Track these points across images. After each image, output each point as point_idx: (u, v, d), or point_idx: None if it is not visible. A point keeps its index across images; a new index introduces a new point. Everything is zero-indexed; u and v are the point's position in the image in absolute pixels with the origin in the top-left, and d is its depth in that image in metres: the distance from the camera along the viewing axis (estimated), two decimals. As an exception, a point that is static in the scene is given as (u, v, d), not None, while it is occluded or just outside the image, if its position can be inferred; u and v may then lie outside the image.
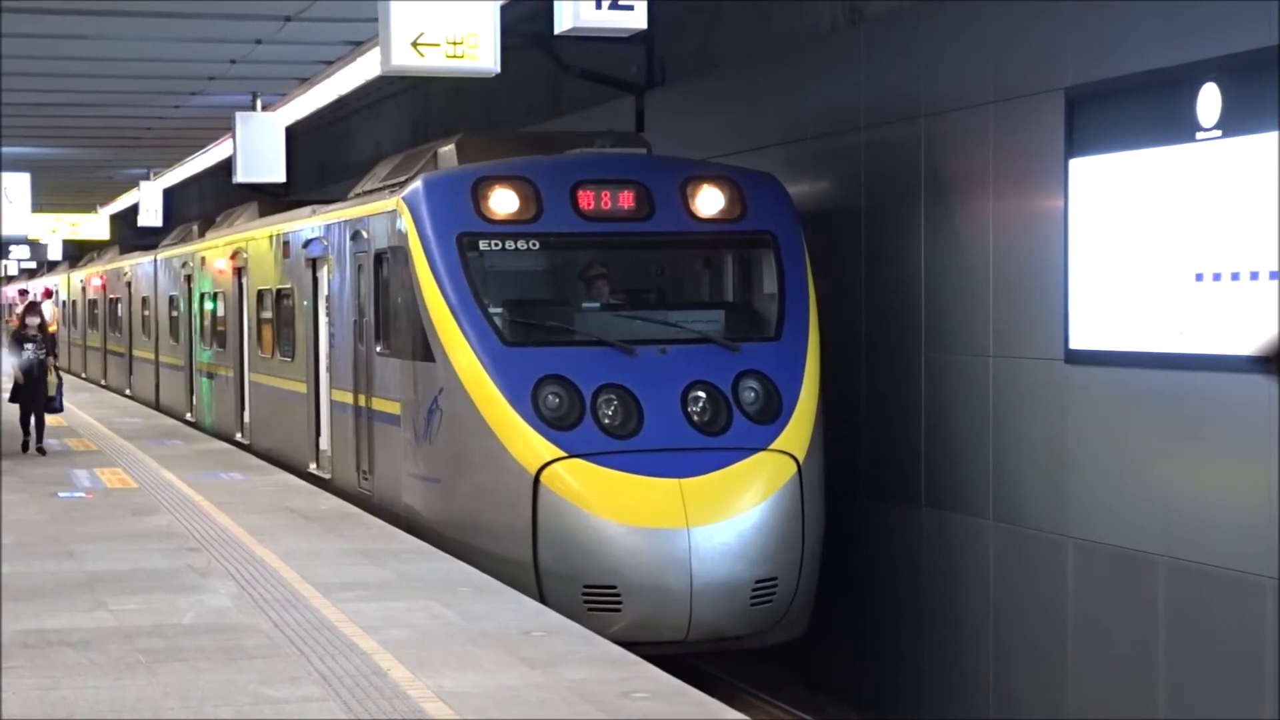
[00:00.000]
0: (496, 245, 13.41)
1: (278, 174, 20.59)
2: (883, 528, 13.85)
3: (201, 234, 27.37)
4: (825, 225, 14.38)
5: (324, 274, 17.59)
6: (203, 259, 25.57)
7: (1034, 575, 11.92)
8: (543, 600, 11.60)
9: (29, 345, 20.30)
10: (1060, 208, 11.34)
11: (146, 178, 34.92)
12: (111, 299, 37.70)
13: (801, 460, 12.63)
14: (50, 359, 20.46)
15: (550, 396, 12.62)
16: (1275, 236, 9.42)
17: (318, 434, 18.02)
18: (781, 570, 12.37)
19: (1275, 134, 9.43)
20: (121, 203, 43.79)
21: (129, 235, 44.13)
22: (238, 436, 22.43)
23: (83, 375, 42.12)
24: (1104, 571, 11.14)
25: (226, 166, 24.23)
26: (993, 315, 12.35)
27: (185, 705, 8.15)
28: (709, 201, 13.72)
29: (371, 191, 16.62)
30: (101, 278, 39.49)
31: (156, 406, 30.13)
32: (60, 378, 20.81)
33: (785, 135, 15.37)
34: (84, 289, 43.07)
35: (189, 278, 26.80)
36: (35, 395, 20.32)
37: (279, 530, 13.85)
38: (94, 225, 45.98)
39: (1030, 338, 11.86)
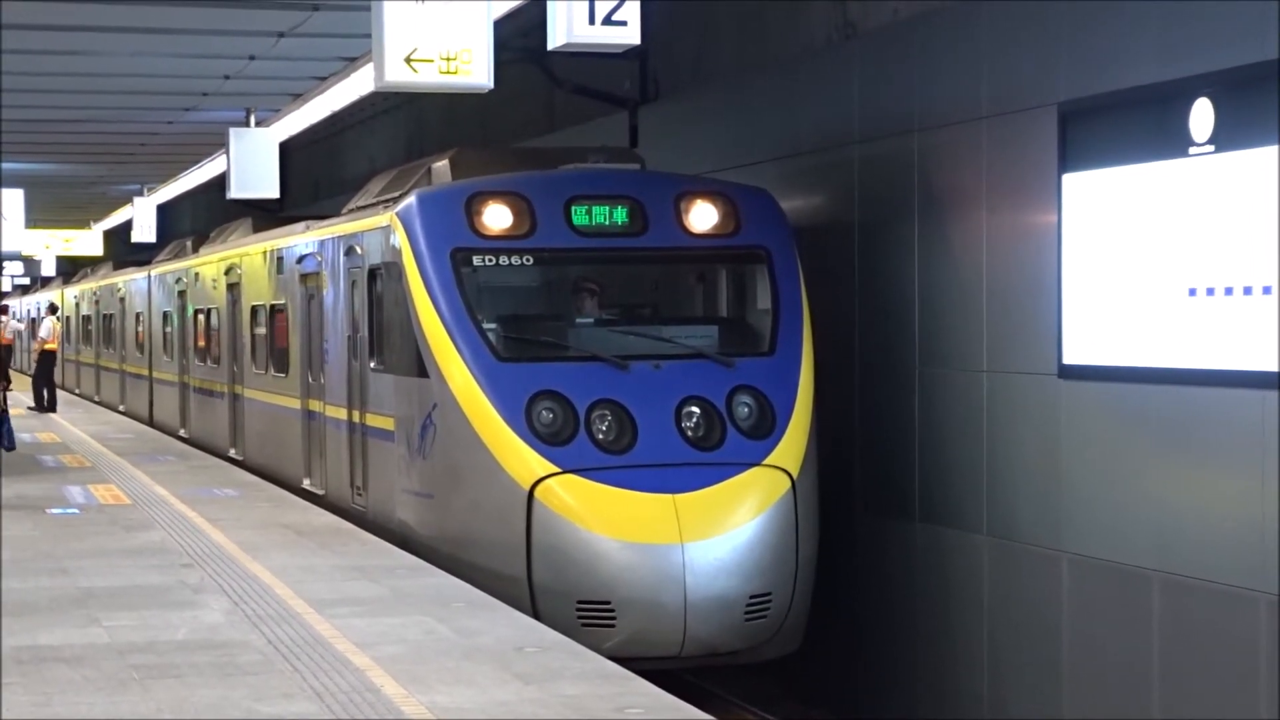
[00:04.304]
0: (490, 261, 13.41)
1: (271, 190, 20.64)
2: (877, 543, 13.85)
3: (195, 250, 27.38)
4: (819, 240, 14.39)
5: (318, 290, 17.58)
6: (196, 275, 25.57)
7: (1028, 590, 11.91)
8: (537, 616, 11.59)
9: None
10: (1054, 223, 11.34)
11: (140, 193, 34.98)
12: (105, 315, 37.69)
13: (796, 475, 12.62)
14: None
15: (544, 412, 12.61)
16: (1271, 251, 9.43)
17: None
18: (776, 585, 12.36)
19: (1268, 149, 9.44)
20: (115, 218, 43.85)
21: (123, 251, 44.17)
22: (231, 452, 22.42)
23: (76, 391, 42.09)
24: (1098, 587, 11.13)
25: (220, 182, 24.23)
26: (986, 330, 12.36)
27: (178, 721, 8.15)
28: (702, 216, 13.72)
29: (365, 207, 16.62)
30: (95, 294, 39.48)
31: (150, 423, 30.11)
32: (7, 409, 18.27)
33: (779, 150, 15.38)
34: (78, 305, 43.06)
35: (183, 294, 26.79)
36: None
37: (272, 546, 13.84)
38: (88, 241, 46.05)
39: (1024, 353, 11.87)
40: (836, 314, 14.13)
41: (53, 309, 35.91)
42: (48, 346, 33.28)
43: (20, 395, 35.66)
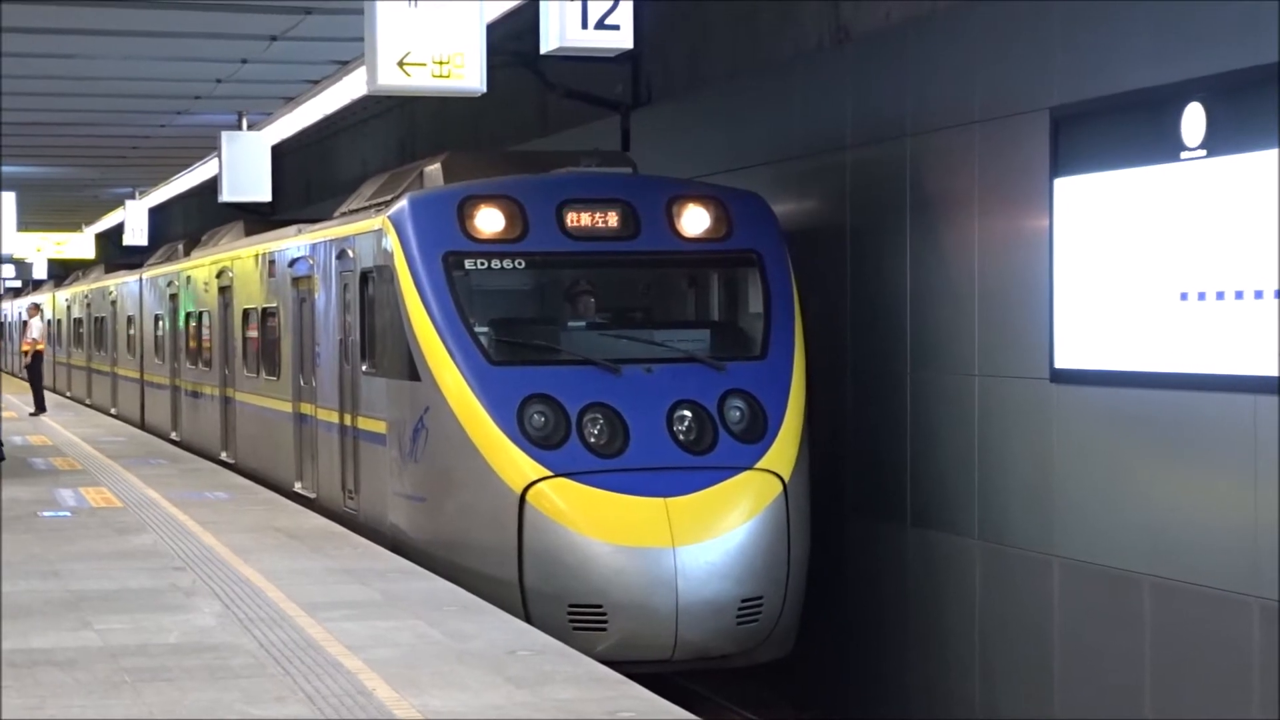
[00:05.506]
0: (482, 264, 13.41)
1: (263, 193, 20.62)
2: (868, 547, 13.85)
3: (187, 253, 27.36)
4: (811, 244, 14.40)
5: (310, 293, 17.58)
6: (188, 278, 25.56)
7: (1020, 594, 11.92)
8: (528, 619, 11.59)
9: None
10: (1045, 227, 11.35)
11: (132, 197, 34.97)
12: (97, 318, 37.67)
13: (787, 479, 12.63)
14: None
15: (536, 415, 12.62)
16: (1263, 256, 9.44)
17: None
18: (767, 589, 12.37)
19: (1260, 153, 9.45)
20: (107, 222, 43.84)
21: (114, 254, 44.15)
22: (223, 455, 22.41)
23: (67, 394, 42.06)
24: (1090, 590, 11.14)
25: (212, 185, 24.24)
26: (978, 334, 12.37)
27: (170, 725, 8.14)
28: (694, 220, 13.72)
29: (357, 210, 16.62)
30: (87, 297, 39.45)
31: (142, 426, 30.09)
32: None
33: (771, 154, 15.39)
34: (69, 308, 43.03)
35: (174, 297, 26.78)
36: None
37: (264, 549, 13.83)
38: (79, 244, 46.06)
39: (1016, 357, 11.88)
40: (828, 318, 14.14)
41: (36, 308, 35.84)
42: (39, 347, 33.29)
43: (11, 398, 35.65)
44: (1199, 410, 10.03)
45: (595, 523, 12.13)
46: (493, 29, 12.38)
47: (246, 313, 20.98)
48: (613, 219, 13.65)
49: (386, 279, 14.08)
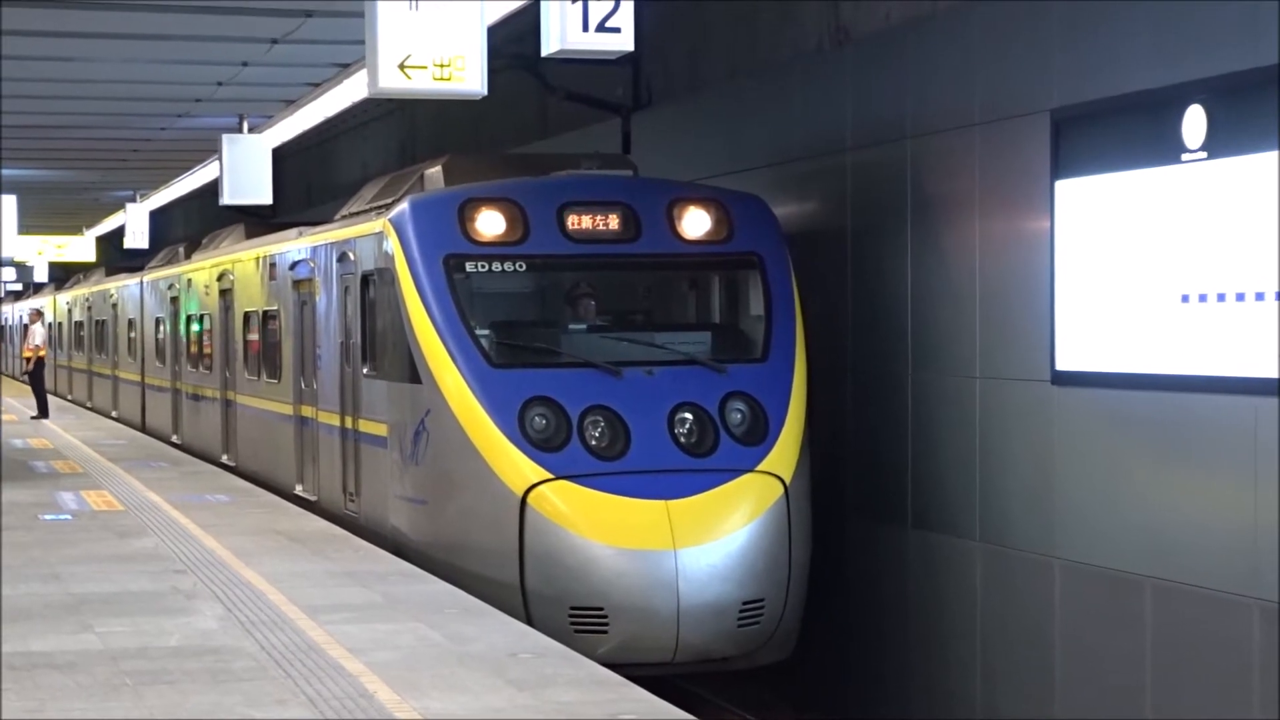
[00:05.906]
0: (483, 267, 13.42)
1: (264, 196, 20.63)
2: (869, 549, 13.85)
3: (188, 256, 27.37)
4: (811, 246, 14.40)
5: (310, 296, 17.58)
6: (189, 281, 25.56)
7: (1021, 596, 11.92)
8: (529, 622, 11.59)
9: None
10: (1046, 229, 11.36)
11: (133, 200, 34.98)
12: (98, 321, 37.67)
13: (788, 481, 12.63)
14: None
15: (537, 418, 12.62)
16: (1263, 257, 9.44)
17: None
18: (769, 591, 12.37)
19: (1260, 155, 9.45)
20: (108, 225, 43.86)
21: (115, 257, 44.17)
22: (224, 458, 22.41)
23: (68, 397, 42.06)
24: (1091, 592, 11.14)
25: (213, 188, 24.25)
26: (979, 336, 12.37)
27: (171, 728, 8.14)
28: (695, 223, 13.73)
29: (358, 213, 16.62)
30: (88, 299, 39.44)
31: (143, 428, 30.09)
32: None
33: (772, 156, 15.39)
34: (70, 311, 43.03)
35: (175, 300, 26.78)
36: None
37: (265, 552, 13.83)
38: (80, 247, 46.10)
39: (1017, 359, 11.88)
40: (829, 320, 14.14)
41: (38, 314, 35.83)
42: (40, 353, 33.28)
43: (12, 401, 35.64)
44: (1200, 412, 10.03)
45: (596, 525, 12.13)
46: (493, 31, 12.39)
47: (247, 315, 20.99)
48: (613, 221, 13.66)
49: (387, 282, 14.08)
